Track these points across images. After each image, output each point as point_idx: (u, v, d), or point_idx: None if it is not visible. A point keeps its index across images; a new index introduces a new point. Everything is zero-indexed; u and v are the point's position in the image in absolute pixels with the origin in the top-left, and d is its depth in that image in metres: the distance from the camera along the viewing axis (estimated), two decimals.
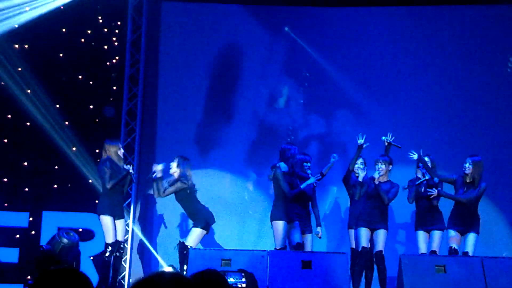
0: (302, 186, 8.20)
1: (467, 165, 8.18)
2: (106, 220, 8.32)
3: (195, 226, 8.54)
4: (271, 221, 8.15)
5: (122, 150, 8.74)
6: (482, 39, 10.37)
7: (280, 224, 8.02)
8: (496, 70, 10.31)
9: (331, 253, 7.74)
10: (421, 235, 8.31)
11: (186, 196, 8.58)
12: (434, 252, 8.13)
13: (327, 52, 10.62)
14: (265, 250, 7.33)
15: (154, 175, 8.51)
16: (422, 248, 8.25)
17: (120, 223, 8.50)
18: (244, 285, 3.52)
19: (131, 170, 8.52)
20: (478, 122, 10.19)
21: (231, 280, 3.48)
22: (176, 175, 8.57)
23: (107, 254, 8.32)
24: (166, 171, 8.66)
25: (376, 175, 8.19)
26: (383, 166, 8.28)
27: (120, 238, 8.45)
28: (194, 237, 8.47)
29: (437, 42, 10.45)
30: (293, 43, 10.71)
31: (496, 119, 10.17)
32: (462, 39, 10.40)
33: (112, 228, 8.33)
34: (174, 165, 8.59)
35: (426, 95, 10.35)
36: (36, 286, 2.44)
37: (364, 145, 8.33)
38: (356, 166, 8.43)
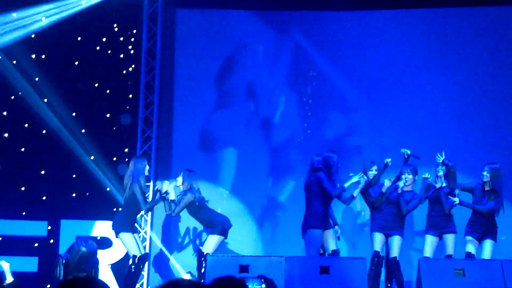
0: (345, 185, 8.14)
1: (485, 173, 8.10)
2: (127, 236, 8.30)
3: (212, 233, 8.56)
4: (306, 229, 8.02)
5: (148, 168, 8.71)
6: (499, 41, 10.30)
7: (317, 233, 8.00)
8: None
9: (350, 258, 7.70)
10: (431, 239, 8.23)
11: (197, 209, 8.61)
12: (450, 256, 8.06)
13: (336, 55, 10.58)
14: (282, 256, 7.31)
15: (166, 195, 8.47)
16: (428, 252, 8.16)
17: (137, 236, 8.59)
18: None
19: (164, 193, 8.48)
20: (496, 125, 10.10)
21: (250, 286, 3.46)
22: (182, 188, 8.58)
23: (134, 267, 8.27)
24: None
25: (401, 184, 8.17)
26: (410, 176, 8.27)
27: (143, 250, 8.48)
28: (212, 244, 8.49)
29: (453, 44, 10.38)
30: (303, 48, 10.69)
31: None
32: (477, 41, 10.33)
33: (135, 243, 8.34)
34: (179, 180, 8.60)
35: (440, 98, 10.28)
36: None
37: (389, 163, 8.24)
38: (370, 173, 8.40)
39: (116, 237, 8.40)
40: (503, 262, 7.14)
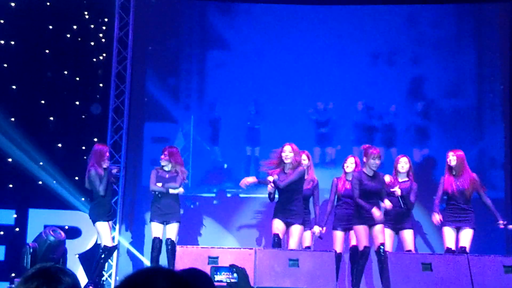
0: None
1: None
2: (103, 226, 8.30)
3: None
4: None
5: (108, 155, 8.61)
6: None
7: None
8: None
9: (318, 251, 7.72)
10: (448, 230, 8.11)
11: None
12: (464, 247, 7.99)
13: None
14: (252, 248, 7.32)
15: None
16: (449, 243, 8.03)
17: (111, 223, 8.57)
18: (235, 280, 3.49)
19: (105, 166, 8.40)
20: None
21: (222, 275, 3.45)
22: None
23: (103, 256, 8.27)
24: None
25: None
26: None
27: (114, 241, 8.47)
28: (177, 231, 8.47)
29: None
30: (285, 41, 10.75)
31: None
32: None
33: (108, 233, 8.35)
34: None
35: None
36: (23, 284, 2.41)
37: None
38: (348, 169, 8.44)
39: (94, 225, 8.40)
40: (469, 256, 7.23)
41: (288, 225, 7.76)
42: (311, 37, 10.65)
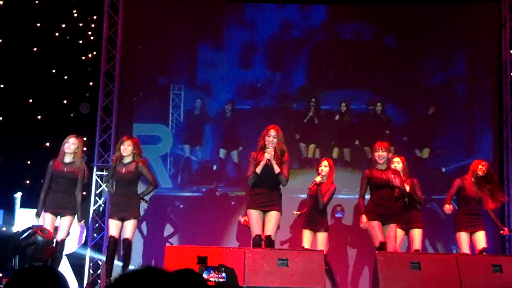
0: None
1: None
2: (109, 222, 7.83)
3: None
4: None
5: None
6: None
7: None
8: None
9: (307, 251, 7.71)
10: (465, 235, 8.23)
11: None
12: (483, 250, 8.09)
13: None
14: (242, 247, 7.30)
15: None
16: (466, 249, 8.14)
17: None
18: (224, 279, 3.48)
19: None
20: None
21: (211, 275, 3.43)
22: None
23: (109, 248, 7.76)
24: None
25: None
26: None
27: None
28: (134, 229, 7.83)
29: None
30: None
31: None
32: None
33: (113, 227, 7.74)
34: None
35: None
36: (11, 285, 2.39)
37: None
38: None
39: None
40: (457, 256, 7.25)
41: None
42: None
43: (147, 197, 7.90)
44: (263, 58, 10.86)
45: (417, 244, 8.33)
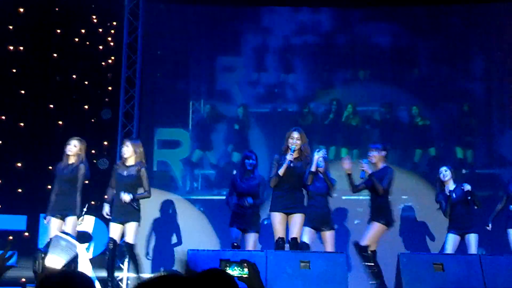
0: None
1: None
2: (111, 226, 7.91)
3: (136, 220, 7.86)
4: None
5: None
6: None
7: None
8: None
9: (330, 253, 7.69)
10: (452, 237, 8.25)
11: None
12: None
13: None
14: (263, 250, 7.30)
15: None
16: (450, 250, 8.15)
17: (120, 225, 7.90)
18: (246, 275, 3.46)
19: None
20: None
21: (232, 270, 3.43)
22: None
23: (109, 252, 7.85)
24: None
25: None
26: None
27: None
28: (134, 232, 7.79)
29: None
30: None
31: None
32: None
33: (115, 231, 7.81)
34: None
35: None
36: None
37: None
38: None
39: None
40: (481, 256, 7.19)
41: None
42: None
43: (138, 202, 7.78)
44: (277, 61, 10.89)
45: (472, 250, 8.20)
